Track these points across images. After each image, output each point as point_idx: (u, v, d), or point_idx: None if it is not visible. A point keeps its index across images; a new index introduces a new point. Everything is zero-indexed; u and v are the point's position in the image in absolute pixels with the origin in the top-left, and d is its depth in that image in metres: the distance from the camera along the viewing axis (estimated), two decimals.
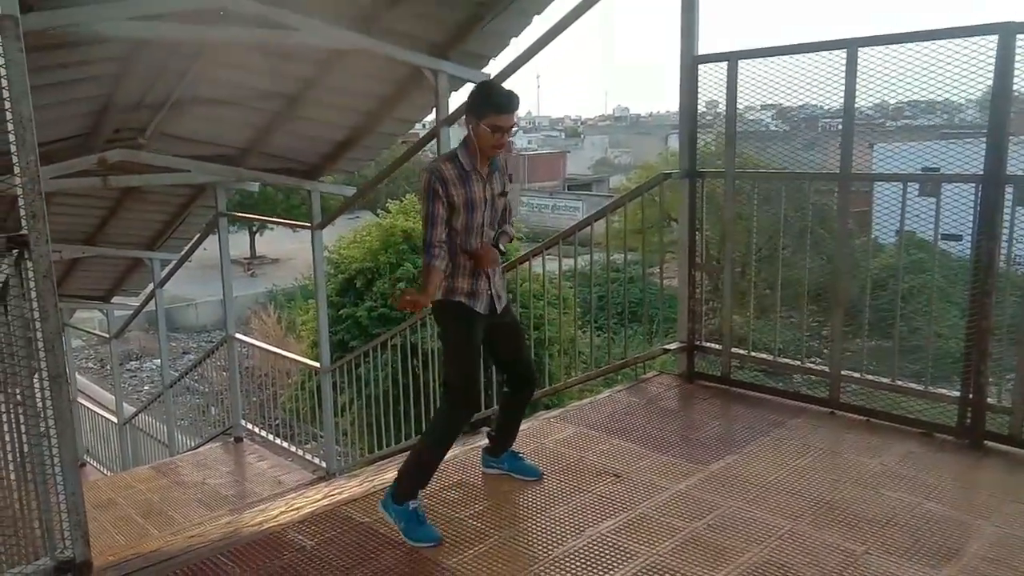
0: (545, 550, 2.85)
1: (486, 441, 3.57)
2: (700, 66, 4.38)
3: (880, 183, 4.17)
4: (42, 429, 2.26)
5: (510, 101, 2.96)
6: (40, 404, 2.24)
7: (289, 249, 34.07)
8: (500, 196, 3.13)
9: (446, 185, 2.97)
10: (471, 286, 3.10)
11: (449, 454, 3.39)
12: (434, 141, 5.38)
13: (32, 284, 2.16)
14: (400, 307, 2.88)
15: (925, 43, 3.50)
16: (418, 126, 7.08)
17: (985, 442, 3.62)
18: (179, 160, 6.83)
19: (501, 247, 3.17)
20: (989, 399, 3.64)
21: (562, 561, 2.77)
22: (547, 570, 2.72)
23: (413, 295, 2.89)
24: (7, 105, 2.15)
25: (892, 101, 4.35)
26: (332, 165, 6.91)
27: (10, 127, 2.16)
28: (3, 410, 2.43)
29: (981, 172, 3.50)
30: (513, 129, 3.02)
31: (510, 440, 3.49)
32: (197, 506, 6.31)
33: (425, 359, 6.03)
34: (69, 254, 8.97)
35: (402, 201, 15.13)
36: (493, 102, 2.95)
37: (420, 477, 3.10)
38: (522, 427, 4.14)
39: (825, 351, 4.45)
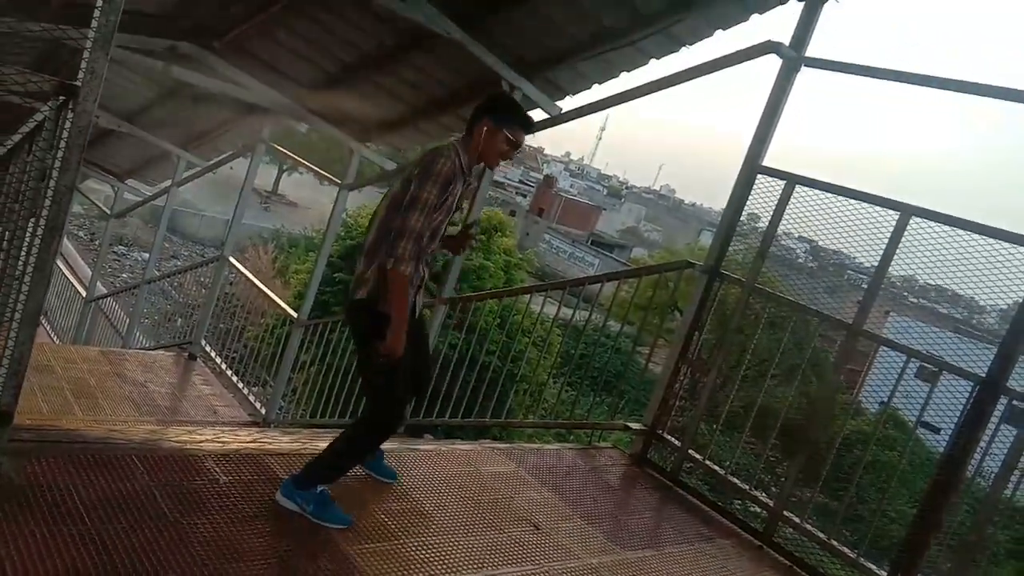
0: (442, 571, 2.82)
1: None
2: (758, 176, 4.43)
3: (885, 350, 4.19)
4: (18, 272, 2.25)
5: (531, 121, 2.98)
6: (26, 248, 2.23)
7: (309, 198, 34.15)
8: (458, 209, 2.99)
9: (454, 178, 2.74)
10: (409, 296, 2.81)
11: (386, 445, 3.38)
12: None
13: (65, 134, 2.17)
14: (385, 356, 2.69)
15: (976, 236, 3.53)
16: None
17: None
18: (243, 76, 6.87)
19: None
20: None
21: None
22: None
23: (389, 342, 2.70)
24: None
25: (922, 278, 4.39)
26: (382, 135, 6.95)
27: None
28: None
29: (983, 375, 3.52)
30: (519, 149, 2.99)
31: None
32: (128, 405, 6.25)
33: None
34: (106, 123, 8.98)
35: None
36: (520, 117, 2.92)
37: (336, 473, 2.99)
38: (463, 447, 4.15)
39: (774, 488, 4.44)
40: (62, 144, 2.14)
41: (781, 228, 4.34)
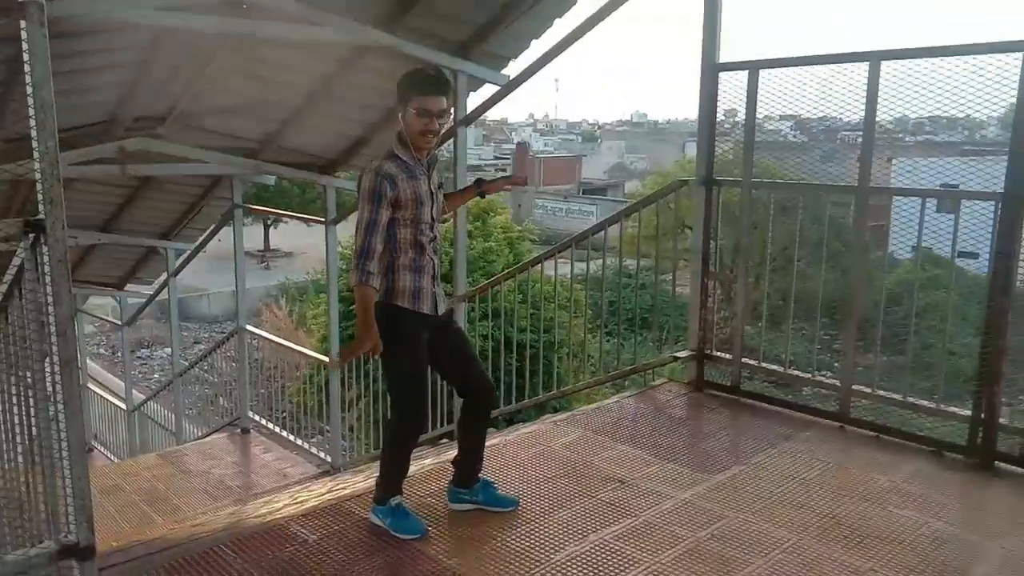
0: (547, 554, 2.84)
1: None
2: (720, 74, 4.36)
3: (899, 198, 4.14)
4: (51, 413, 2.27)
5: (437, 82, 2.75)
6: (50, 388, 2.24)
7: (303, 243, 34.18)
8: (440, 189, 2.96)
9: (395, 183, 2.73)
10: (414, 283, 2.82)
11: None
12: (451, 141, 5.38)
13: (47, 269, 2.17)
14: (345, 361, 2.79)
15: (948, 58, 3.47)
16: None
17: (996, 463, 3.58)
18: (197, 151, 6.87)
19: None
20: (1001, 419, 3.59)
21: (564, 566, 2.76)
22: (548, 574, 2.71)
23: (355, 344, 2.76)
24: (29, 90, 2.16)
25: (913, 116, 4.31)
26: (348, 161, 6.93)
27: (31, 112, 2.17)
28: (14, 392, 2.44)
29: (1001, 190, 3.47)
30: (445, 114, 2.78)
31: (477, 467, 3.18)
32: (202, 495, 6.34)
33: None
34: (85, 240, 9.04)
35: None
36: (417, 84, 2.73)
37: (392, 480, 3.07)
38: (528, 430, 4.16)
39: (836, 364, 4.42)
40: (47, 279, 2.14)
41: (761, 114, 4.27)
